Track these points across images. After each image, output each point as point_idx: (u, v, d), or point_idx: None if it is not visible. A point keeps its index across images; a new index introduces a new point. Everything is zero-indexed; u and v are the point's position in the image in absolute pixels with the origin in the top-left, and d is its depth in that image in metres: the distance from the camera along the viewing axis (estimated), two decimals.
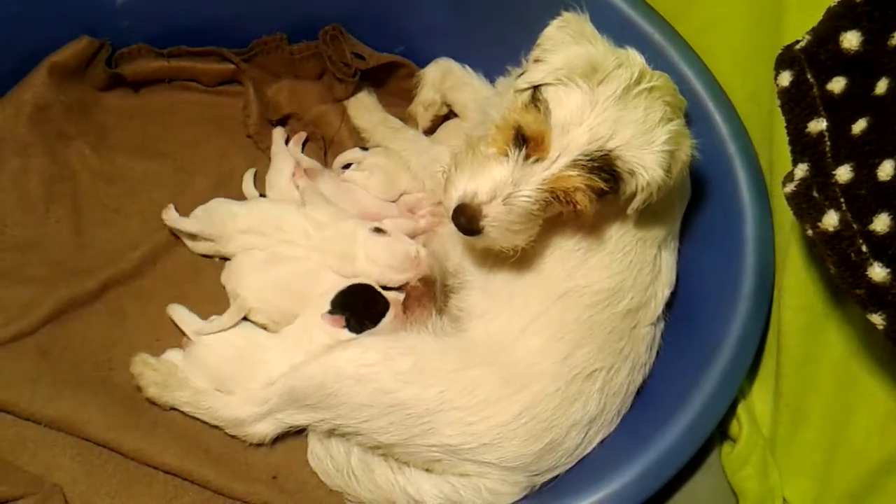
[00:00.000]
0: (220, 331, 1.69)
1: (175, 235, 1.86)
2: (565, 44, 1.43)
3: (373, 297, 1.71)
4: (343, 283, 1.74)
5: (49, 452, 1.56)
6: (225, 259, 1.84)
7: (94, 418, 1.58)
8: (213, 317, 1.72)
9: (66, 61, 1.90)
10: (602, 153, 1.36)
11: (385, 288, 1.77)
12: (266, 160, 1.99)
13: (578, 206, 1.39)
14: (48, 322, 1.70)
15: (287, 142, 2.01)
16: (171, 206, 1.85)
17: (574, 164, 1.37)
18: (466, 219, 1.41)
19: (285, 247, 1.78)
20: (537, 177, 1.38)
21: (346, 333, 1.65)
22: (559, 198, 1.40)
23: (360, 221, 1.81)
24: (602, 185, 1.38)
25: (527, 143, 1.39)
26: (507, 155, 1.40)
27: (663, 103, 1.41)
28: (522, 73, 1.48)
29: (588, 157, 1.36)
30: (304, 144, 2.03)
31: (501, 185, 1.39)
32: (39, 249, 1.79)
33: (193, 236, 1.84)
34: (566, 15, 1.49)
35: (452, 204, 1.43)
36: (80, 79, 1.95)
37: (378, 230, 1.79)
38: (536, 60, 1.44)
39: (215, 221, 1.80)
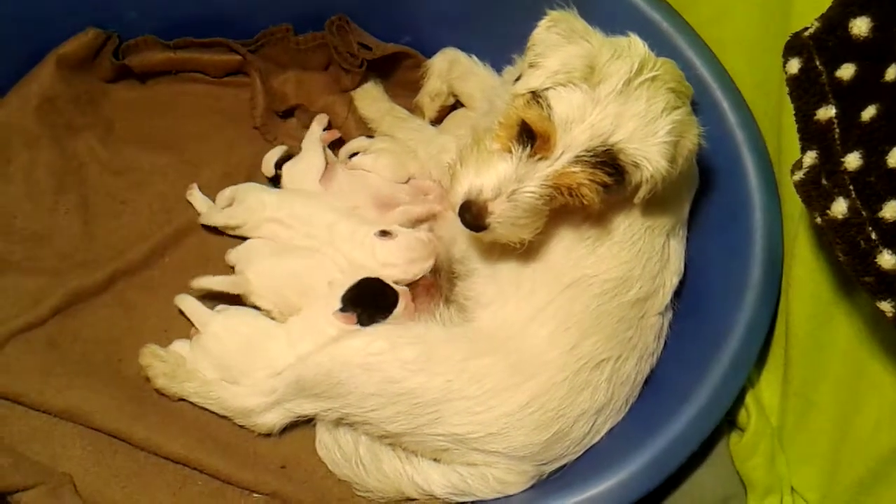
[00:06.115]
0: (207, 289, 1.71)
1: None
2: (559, 45, 1.42)
3: (382, 289, 1.69)
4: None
5: (59, 442, 1.57)
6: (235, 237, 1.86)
7: (103, 409, 1.59)
8: (221, 306, 1.73)
9: (74, 53, 1.91)
10: (605, 148, 1.37)
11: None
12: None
13: (585, 201, 1.40)
14: (57, 313, 1.71)
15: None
16: (195, 186, 1.87)
17: (577, 161, 1.37)
18: (472, 215, 1.42)
19: (307, 241, 1.78)
20: (541, 173, 1.39)
21: (357, 328, 1.64)
22: (564, 192, 1.40)
23: (367, 229, 1.75)
24: (606, 179, 1.38)
25: (532, 139, 1.39)
26: (510, 151, 1.41)
27: (667, 91, 1.40)
28: (518, 78, 1.46)
29: (591, 153, 1.37)
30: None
31: (506, 181, 1.39)
32: (48, 241, 1.80)
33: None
34: (553, 14, 1.47)
35: (458, 200, 1.44)
36: (88, 71, 1.96)
37: (384, 233, 1.74)
38: (531, 65, 1.43)
39: (242, 213, 1.81)
